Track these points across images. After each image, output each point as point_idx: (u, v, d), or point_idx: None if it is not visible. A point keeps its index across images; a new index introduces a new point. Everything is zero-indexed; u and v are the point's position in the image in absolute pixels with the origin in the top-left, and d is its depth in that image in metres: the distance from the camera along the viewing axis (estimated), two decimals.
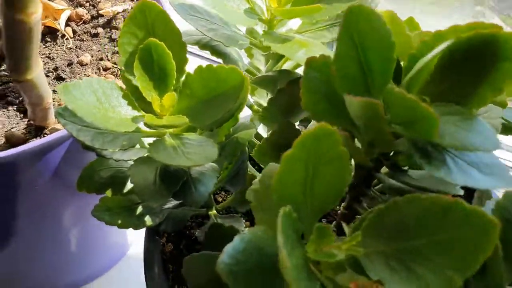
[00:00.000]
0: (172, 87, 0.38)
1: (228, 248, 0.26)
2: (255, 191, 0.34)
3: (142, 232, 0.75)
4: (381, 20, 0.31)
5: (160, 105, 0.37)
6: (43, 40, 0.60)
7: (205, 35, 0.46)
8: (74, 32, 0.61)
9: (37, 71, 0.37)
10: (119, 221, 0.44)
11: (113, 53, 0.58)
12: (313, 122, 0.55)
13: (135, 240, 0.75)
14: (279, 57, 0.46)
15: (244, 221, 0.45)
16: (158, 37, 0.37)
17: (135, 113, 0.38)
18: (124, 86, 0.39)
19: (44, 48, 0.59)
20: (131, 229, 0.73)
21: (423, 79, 0.31)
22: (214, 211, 0.48)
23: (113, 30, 0.61)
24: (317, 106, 0.35)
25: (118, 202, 0.45)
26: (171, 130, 0.39)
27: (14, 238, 0.52)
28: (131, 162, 0.41)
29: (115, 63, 0.56)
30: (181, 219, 0.48)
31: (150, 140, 0.43)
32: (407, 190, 0.38)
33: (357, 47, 0.32)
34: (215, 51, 0.44)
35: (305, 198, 0.31)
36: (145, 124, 0.39)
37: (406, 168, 0.39)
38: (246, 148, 0.43)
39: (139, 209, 0.46)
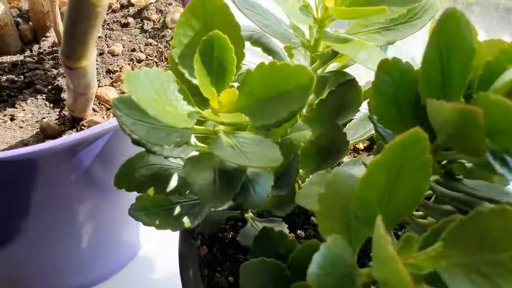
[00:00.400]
0: (230, 84, 0.36)
1: (317, 258, 0.25)
2: (323, 197, 0.32)
3: (153, 233, 0.73)
4: (469, 26, 0.30)
5: (218, 101, 0.35)
6: None
7: (254, 31, 0.44)
8: (103, 21, 0.58)
9: (92, 59, 0.35)
10: (157, 222, 0.42)
11: (146, 44, 0.56)
12: (351, 123, 0.54)
13: (146, 241, 0.73)
14: (328, 58, 0.45)
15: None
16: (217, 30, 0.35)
17: (191, 108, 0.36)
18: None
19: None
20: (143, 229, 0.72)
21: (507, 90, 0.30)
22: (251, 214, 0.47)
23: (144, 21, 0.58)
24: (386, 109, 0.34)
25: (156, 202, 0.43)
26: (223, 127, 0.37)
27: (27, 235, 0.50)
28: (175, 161, 0.39)
29: (149, 55, 0.54)
30: (218, 221, 0.46)
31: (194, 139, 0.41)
32: (464, 200, 0.37)
33: (442, 52, 0.30)
34: (266, 48, 0.43)
35: (382, 206, 0.29)
36: (196, 123, 0.37)
37: (460, 176, 0.38)
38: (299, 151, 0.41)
39: (177, 209, 0.44)
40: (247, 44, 0.42)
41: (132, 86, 0.31)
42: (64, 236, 0.55)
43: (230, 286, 0.45)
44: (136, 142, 0.36)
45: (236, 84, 0.37)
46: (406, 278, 0.23)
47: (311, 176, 0.47)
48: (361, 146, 0.62)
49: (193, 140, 0.41)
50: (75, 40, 0.31)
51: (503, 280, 0.26)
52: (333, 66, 0.49)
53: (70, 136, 0.38)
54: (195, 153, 0.40)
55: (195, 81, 0.37)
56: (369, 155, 0.62)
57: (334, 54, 0.43)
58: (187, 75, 0.38)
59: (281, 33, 0.41)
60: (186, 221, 0.43)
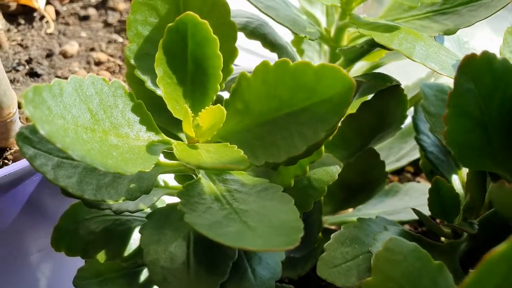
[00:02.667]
0: (214, 96, 0.23)
1: None
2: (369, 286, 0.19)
3: None
4: None
5: (195, 124, 0.22)
6: (15, 22, 0.44)
7: (251, 17, 0.31)
8: (57, 13, 0.45)
9: None
10: None
11: (109, 41, 0.43)
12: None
13: None
14: (357, 56, 0.31)
15: None
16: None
17: (152, 136, 0.23)
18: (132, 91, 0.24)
19: (15, 32, 0.44)
20: None
21: None
22: None
23: (109, 12, 0.45)
24: (466, 137, 0.21)
25: (113, 264, 0.30)
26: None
27: None
28: (141, 215, 0.26)
29: (111, 55, 0.41)
30: None
31: (169, 177, 0.28)
32: None
33: None
34: (268, 42, 0.30)
35: None
36: (166, 156, 0.24)
37: None
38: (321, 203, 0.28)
39: (144, 273, 0.31)
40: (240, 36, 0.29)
41: (43, 109, 0.18)
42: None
43: None
44: (67, 193, 0.23)
45: (224, 97, 0.24)
46: None
47: (332, 216, 0.34)
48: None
49: (161, 178, 0.28)
50: None
51: None
52: (359, 66, 0.36)
53: None
54: (165, 201, 0.27)
55: (160, 93, 0.24)
56: (399, 179, 0.49)
57: (368, 50, 0.30)
58: (149, 83, 0.25)
59: (292, 19, 0.28)
60: None
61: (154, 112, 0.23)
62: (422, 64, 0.24)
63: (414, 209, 0.29)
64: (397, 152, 0.40)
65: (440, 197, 0.28)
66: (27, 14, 0.45)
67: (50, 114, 0.18)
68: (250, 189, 0.22)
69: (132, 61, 0.25)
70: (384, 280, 0.19)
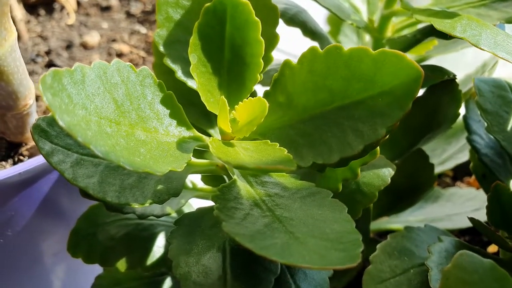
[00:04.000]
0: (253, 88, 0.21)
1: None
2: None
3: None
4: None
5: (232, 119, 0.19)
6: (35, 13, 0.43)
7: (288, 4, 0.28)
8: (78, 4, 0.43)
9: (6, 46, 0.20)
10: None
11: (132, 32, 0.40)
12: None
13: None
14: (405, 46, 0.28)
15: None
16: None
17: (183, 131, 0.20)
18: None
19: (35, 24, 0.42)
20: None
21: None
22: None
23: (132, 2, 0.43)
24: None
25: (133, 272, 0.28)
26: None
27: None
28: (167, 219, 0.23)
29: (134, 47, 0.39)
30: None
31: (196, 178, 0.25)
32: None
33: None
34: (309, 30, 0.27)
35: None
36: (195, 155, 0.22)
37: None
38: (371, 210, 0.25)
39: (167, 282, 0.28)
40: None
41: (63, 97, 0.15)
42: None
43: None
44: (86, 195, 0.21)
45: (263, 89, 0.21)
46: None
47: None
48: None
49: (189, 179, 0.25)
50: None
51: None
52: None
53: None
54: (191, 205, 0.24)
55: (192, 84, 0.22)
56: (438, 184, 0.46)
57: (418, 40, 0.26)
58: (179, 73, 0.22)
59: (337, 6, 0.25)
60: None
61: (183, 106, 0.21)
62: (491, 53, 0.21)
63: (470, 218, 0.25)
64: (440, 154, 0.36)
65: (501, 204, 0.25)
66: (48, 5, 0.43)
67: (70, 103, 0.16)
68: (294, 194, 0.19)
69: (161, 48, 0.22)
70: None
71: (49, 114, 0.19)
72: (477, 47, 0.21)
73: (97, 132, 0.16)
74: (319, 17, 0.33)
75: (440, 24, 0.22)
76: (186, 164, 0.19)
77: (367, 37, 0.32)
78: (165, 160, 0.18)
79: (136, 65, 0.39)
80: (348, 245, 0.15)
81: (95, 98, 0.17)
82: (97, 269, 0.29)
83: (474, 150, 0.30)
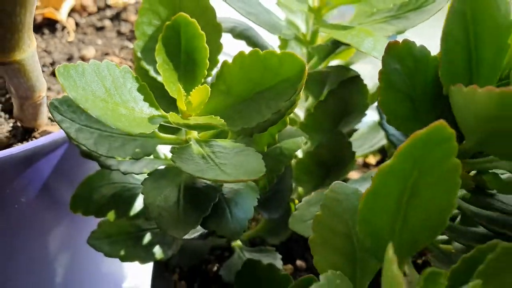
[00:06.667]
0: (202, 80, 0.29)
1: None
2: (318, 220, 0.25)
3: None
4: None
5: (187, 102, 0.28)
6: (40, 32, 0.51)
7: (238, 23, 0.37)
8: (77, 24, 0.52)
9: (29, 51, 0.28)
10: (122, 252, 0.35)
11: (122, 48, 0.49)
12: (358, 134, 0.46)
13: (131, 272, 0.65)
14: (327, 53, 0.37)
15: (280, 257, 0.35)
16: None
17: (153, 111, 0.29)
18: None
19: (40, 41, 0.51)
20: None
21: None
22: (239, 242, 0.39)
23: (122, 23, 0.52)
24: (397, 106, 0.27)
25: (121, 228, 0.36)
26: (196, 135, 0.30)
27: None
28: (142, 177, 0.32)
29: (124, 59, 0.48)
30: (199, 251, 0.38)
31: (166, 149, 0.34)
32: (501, 220, 0.29)
33: (467, 26, 0.23)
34: (252, 42, 0.36)
35: (395, 230, 0.22)
36: (162, 129, 0.30)
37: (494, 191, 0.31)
38: (291, 166, 0.34)
39: (147, 237, 0.36)
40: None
41: (71, 81, 0.24)
42: (32, 269, 0.47)
43: None
44: (86, 155, 0.29)
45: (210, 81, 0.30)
46: None
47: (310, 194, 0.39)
48: (372, 161, 0.54)
49: (161, 152, 0.34)
50: (1, 25, 0.25)
51: None
52: (334, 64, 0.42)
53: (10, 150, 0.31)
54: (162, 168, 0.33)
55: (160, 79, 0.30)
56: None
57: (334, 48, 0.36)
58: (152, 72, 0.31)
59: (270, 23, 0.34)
60: (158, 251, 0.36)
61: (155, 96, 0.29)
62: (369, 54, 0.30)
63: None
64: (371, 140, 0.45)
65: None
66: (51, 25, 0.52)
67: (75, 85, 0.24)
68: (231, 151, 0.28)
69: (139, 54, 0.31)
70: (330, 214, 0.25)
71: (61, 96, 0.27)
72: (358, 49, 0.30)
73: (92, 105, 0.24)
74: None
75: (337, 35, 0.31)
76: (155, 137, 0.28)
77: (304, 49, 0.41)
78: (139, 127, 0.26)
79: None
80: (254, 171, 0.24)
81: (91, 84, 0.25)
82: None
83: (385, 131, 0.38)
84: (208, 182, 0.27)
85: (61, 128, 0.26)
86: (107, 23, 0.53)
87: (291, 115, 0.42)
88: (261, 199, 0.35)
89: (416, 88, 0.26)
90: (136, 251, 0.35)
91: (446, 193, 0.21)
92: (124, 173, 0.30)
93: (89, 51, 0.48)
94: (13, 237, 0.40)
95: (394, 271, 0.17)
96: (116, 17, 0.53)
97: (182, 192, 0.26)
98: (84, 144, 0.26)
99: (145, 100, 0.29)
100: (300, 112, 0.42)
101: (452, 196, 0.21)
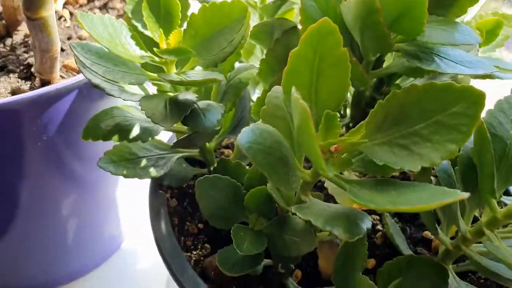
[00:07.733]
0: (177, 28, 0.41)
1: (246, 129, 0.28)
2: (264, 110, 0.36)
3: (136, 224, 0.74)
4: None
5: (166, 42, 0.39)
6: None
7: None
8: (71, 14, 0.63)
9: (51, 12, 0.39)
10: (125, 172, 0.45)
11: None
12: None
13: (129, 233, 0.74)
14: (273, 11, 0.49)
15: None
16: None
17: (143, 53, 0.40)
18: None
19: None
20: (125, 220, 0.73)
21: None
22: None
23: (110, 10, 0.63)
24: None
25: (122, 155, 0.46)
26: (175, 70, 0.41)
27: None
28: (137, 115, 0.43)
29: None
30: (184, 176, 0.49)
31: (154, 89, 0.45)
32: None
33: None
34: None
35: (310, 102, 0.33)
36: (149, 68, 0.41)
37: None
38: (248, 92, 0.45)
39: (143, 161, 0.47)
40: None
41: (87, 22, 0.35)
42: (42, 228, 0.56)
43: (200, 232, 0.48)
44: (96, 86, 0.40)
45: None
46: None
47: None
48: None
49: (150, 90, 0.45)
50: None
51: (419, 147, 0.29)
52: None
53: (29, 93, 0.41)
54: None
55: (147, 33, 0.42)
56: None
57: (279, 5, 0.47)
58: (139, 27, 0.42)
59: None
60: (152, 171, 0.47)
61: (143, 41, 0.41)
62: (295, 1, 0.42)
63: None
64: None
65: None
66: None
67: (92, 25, 0.35)
68: (199, 74, 0.39)
69: (130, 14, 0.42)
70: (272, 106, 0.36)
71: (77, 41, 0.38)
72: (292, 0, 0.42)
73: (101, 39, 0.36)
74: None
75: None
76: (145, 75, 0.39)
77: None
78: (134, 59, 0.37)
79: None
80: (219, 76, 0.35)
81: (98, 28, 0.36)
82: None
83: None
84: (187, 97, 0.38)
85: (79, 61, 0.37)
86: (97, 11, 0.63)
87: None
88: (231, 127, 0.46)
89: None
90: (135, 171, 0.46)
91: (342, 73, 0.32)
92: (124, 100, 0.41)
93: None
94: (38, 178, 0.50)
95: (300, 101, 0.28)
96: (104, 7, 0.64)
97: (168, 102, 0.37)
98: (96, 71, 0.37)
99: (136, 44, 0.40)
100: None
101: (345, 75, 0.32)
